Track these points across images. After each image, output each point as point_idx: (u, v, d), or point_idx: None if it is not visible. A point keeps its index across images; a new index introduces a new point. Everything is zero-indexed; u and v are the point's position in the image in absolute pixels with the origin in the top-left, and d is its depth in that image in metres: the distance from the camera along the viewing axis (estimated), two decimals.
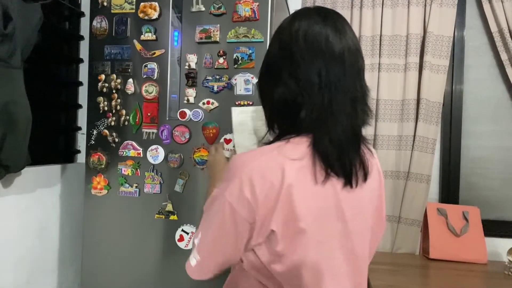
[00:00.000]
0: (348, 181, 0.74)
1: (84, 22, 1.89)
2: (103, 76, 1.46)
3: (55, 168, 1.65)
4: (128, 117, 1.45)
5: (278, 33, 0.80)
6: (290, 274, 0.73)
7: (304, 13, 0.78)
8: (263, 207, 0.70)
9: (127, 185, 1.44)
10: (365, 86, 0.78)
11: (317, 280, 0.74)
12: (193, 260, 0.78)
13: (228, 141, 1.31)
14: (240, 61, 1.35)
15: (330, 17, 0.76)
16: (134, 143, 1.44)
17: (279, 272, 0.73)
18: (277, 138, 0.78)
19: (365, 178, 0.77)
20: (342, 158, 0.73)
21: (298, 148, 0.73)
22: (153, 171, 1.42)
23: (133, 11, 1.44)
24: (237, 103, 1.34)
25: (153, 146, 1.42)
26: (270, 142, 0.78)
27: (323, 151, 0.71)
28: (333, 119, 0.72)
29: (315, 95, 0.72)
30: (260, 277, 0.76)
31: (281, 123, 0.80)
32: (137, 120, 1.44)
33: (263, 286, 0.77)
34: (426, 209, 1.80)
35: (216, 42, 1.37)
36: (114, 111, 1.46)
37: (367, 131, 1.83)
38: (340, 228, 0.76)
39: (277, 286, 0.76)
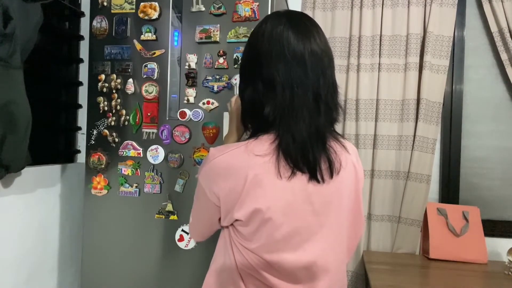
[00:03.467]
0: (313, 177, 0.77)
1: (84, 22, 1.89)
2: (103, 76, 1.46)
3: (55, 168, 1.65)
4: (128, 117, 1.45)
5: (249, 36, 0.85)
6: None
7: (272, 16, 0.82)
8: (226, 197, 0.76)
9: (127, 185, 1.44)
10: (331, 85, 0.80)
11: (287, 272, 0.78)
12: (189, 221, 0.96)
13: None
14: (240, 61, 1.35)
15: (295, 20, 0.80)
16: (134, 143, 1.44)
17: (247, 235, 0.78)
18: (250, 136, 0.82)
19: (331, 174, 0.79)
20: (305, 155, 0.75)
21: (263, 145, 0.76)
22: (153, 171, 1.42)
23: (133, 11, 1.44)
24: None
25: (153, 146, 1.42)
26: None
27: (286, 149, 0.75)
28: (294, 117, 0.75)
29: (277, 94, 0.76)
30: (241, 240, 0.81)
31: (252, 122, 0.84)
32: (137, 120, 1.44)
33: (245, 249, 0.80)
34: (426, 209, 1.80)
35: (216, 42, 1.37)
36: (114, 111, 1.46)
37: (368, 131, 1.83)
38: (312, 221, 0.78)
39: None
